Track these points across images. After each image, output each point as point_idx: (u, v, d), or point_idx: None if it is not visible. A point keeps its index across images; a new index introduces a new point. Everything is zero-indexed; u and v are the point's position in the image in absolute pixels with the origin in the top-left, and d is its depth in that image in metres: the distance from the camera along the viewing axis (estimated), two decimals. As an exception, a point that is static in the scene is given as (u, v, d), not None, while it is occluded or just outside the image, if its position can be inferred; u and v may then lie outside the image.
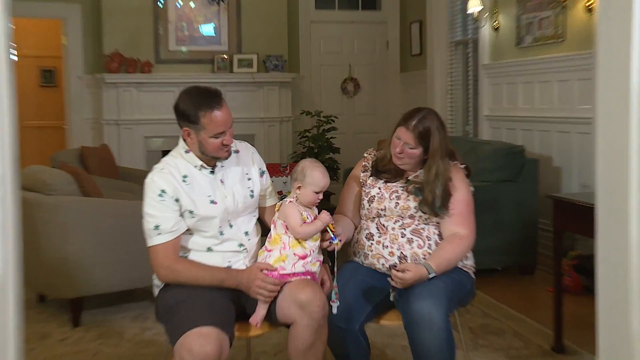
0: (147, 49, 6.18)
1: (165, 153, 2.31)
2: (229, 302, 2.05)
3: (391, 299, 2.16)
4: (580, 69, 4.11)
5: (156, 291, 2.18)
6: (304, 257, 2.07)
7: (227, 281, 2.05)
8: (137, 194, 4.31)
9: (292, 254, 2.06)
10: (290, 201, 2.11)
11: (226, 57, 6.34)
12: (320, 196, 2.12)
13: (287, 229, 2.09)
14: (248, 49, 6.41)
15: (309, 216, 2.10)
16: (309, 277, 2.08)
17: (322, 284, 2.15)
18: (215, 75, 6.26)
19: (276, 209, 2.16)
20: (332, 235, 2.08)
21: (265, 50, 6.42)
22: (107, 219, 3.32)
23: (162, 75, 6.15)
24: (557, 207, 2.84)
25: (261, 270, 2.05)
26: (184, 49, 6.29)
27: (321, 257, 2.14)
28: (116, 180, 4.76)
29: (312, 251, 2.08)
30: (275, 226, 2.13)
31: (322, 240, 2.11)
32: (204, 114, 2.01)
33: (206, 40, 6.33)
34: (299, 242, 2.07)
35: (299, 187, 2.11)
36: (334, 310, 2.08)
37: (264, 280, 2.03)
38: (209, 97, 2.03)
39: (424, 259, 2.19)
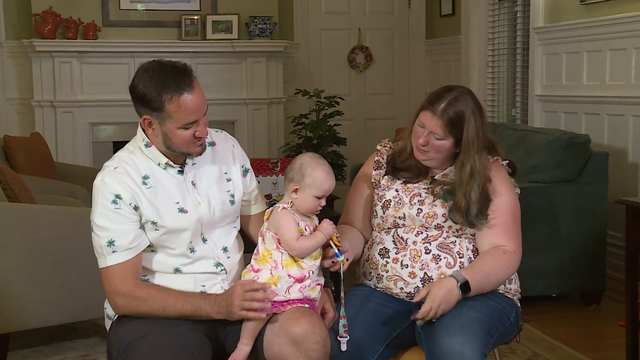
0: (92, 7, 6.22)
1: (118, 145, 2.35)
2: (204, 337, 2.09)
3: (419, 323, 2.18)
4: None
5: (108, 324, 2.22)
6: (301, 280, 2.11)
7: (203, 309, 2.09)
8: (82, 199, 4.37)
9: (285, 276, 2.10)
10: (284, 208, 2.15)
11: (197, 18, 6.39)
12: (323, 202, 2.16)
13: (280, 243, 2.13)
14: (226, 7, 6.45)
15: (307, 227, 2.14)
16: (306, 305, 2.12)
17: (323, 314, 2.20)
18: (183, 43, 6.30)
19: (265, 217, 2.20)
20: (337, 251, 2.12)
21: (249, 10, 6.46)
22: (42, 231, 3.35)
23: (112, 43, 6.19)
24: (631, 215, 2.89)
25: (246, 290, 2.07)
26: (140, 7, 6.33)
27: (322, 280, 2.19)
28: (53, 180, 4.80)
29: (311, 272, 2.12)
30: (264, 240, 2.17)
31: (324, 257, 2.16)
32: (170, 99, 2.04)
33: (171, -3, 6.37)
34: (295, 261, 2.11)
35: (295, 190, 2.14)
36: (343, 348, 2.12)
37: (250, 288, 2.04)
38: (176, 77, 2.06)
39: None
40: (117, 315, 2.18)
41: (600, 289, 4.18)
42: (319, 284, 2.16)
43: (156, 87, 2.04)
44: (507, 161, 2.39)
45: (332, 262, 2.13)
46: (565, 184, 4.12)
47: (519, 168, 2.44)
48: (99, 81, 6.17)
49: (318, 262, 2.14)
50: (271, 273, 2.11)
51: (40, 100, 6.09)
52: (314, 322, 2.06)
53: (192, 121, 2.07)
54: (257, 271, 2.13)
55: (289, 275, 2.10)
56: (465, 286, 2.16)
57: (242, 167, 2.30)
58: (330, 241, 2.12)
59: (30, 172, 4.69)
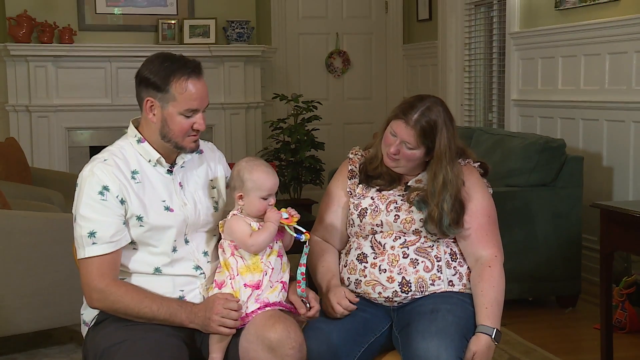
0: (68, 10, 6.19)
1: (94, 150, 2.34)
2: (181, 343, 2.09)
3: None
4: (640, 38, 4.20)
5: (85, 330, 2.21)
6: (257, 287, 2.12)
7: (178, 315, 2.09)
8: (58, 204, 4.34)
9: (242, 287, 2.11)
10: (234, 214, 2.18)
11: (174, 23, 6.37)
12: (272, 201, 2.18)
13: (236, 249, 2.15)
14: (203, 12, 6.44)
15: (260, 227, 2.16)
16: (276, 308, 2.13)
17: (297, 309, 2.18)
18: (159, 48, 6.27)
19: (220, 229, 2.22)
20: (293, 233, 2.13)
21: (226, 14, 6.45)
22: (17, 236, 3.33)
23: (88, 47, 6.16)
24: (606, 219, 2.91)
25: (225, 307, 2.07)
26: (117, 11, 6.31)
27: (286, 278, 2.19)
28: (28, 185, 4.76)
29: (267, 273, 2.13)
30: (223, 250, 2.18)
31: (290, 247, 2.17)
32: (177, 81, 2.08)
33: (148, 0, 6.35)
34: (248, 268, 2.12)
35: (240, 197, 2.17)
36: (299, 293, 2.14)
37: (227, 305, 2.05)
38: (185, 64, 2.11)
39: (432, 284, 2.25)
40: (93, 321, 2.17)
41: (575, 292, 4.22)
42: (281, 282, 2.17)
43: (165, 70, 2.10)
44: (479, 163, 2.40)
45: (302, 240, 2.13)
46: (540, 188, 4.15)
47: (491, 169, 2.44)
48: (75, 85, 6.13)
49: (273, 258, 2.14)
50: (232, 286, 2.12)
51: (15, 105, 6.04)
52: (289, 327, 2.06)
53: (193, 108, 2.11)
54: (220, 285, 2.14)
55: (245, 285, 2.11)
56: (497, 333, 2.19)
57: (227, 178, 2.32)
58: (286, 226, 2.14)
59: (4, 177, 4.65)
